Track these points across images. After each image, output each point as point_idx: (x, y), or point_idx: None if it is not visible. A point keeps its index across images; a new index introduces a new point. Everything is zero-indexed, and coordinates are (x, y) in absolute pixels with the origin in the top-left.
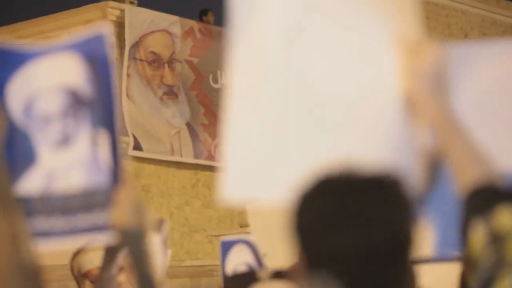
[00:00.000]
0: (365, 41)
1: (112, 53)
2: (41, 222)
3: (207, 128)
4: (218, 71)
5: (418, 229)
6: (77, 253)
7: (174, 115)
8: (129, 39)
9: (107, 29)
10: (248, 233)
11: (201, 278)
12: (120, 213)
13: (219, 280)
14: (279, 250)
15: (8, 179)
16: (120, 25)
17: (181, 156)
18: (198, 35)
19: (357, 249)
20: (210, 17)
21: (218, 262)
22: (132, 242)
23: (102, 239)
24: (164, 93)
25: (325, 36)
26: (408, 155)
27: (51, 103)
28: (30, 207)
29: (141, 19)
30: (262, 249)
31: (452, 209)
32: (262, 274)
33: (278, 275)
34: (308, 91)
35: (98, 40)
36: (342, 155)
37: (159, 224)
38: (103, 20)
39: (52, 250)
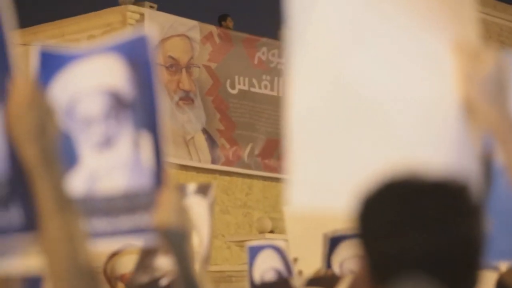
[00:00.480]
0: (424, 46)
1: (155, 55)
2: (83, 224)
3: (223, 134)
4: (236, 77)
5: (484, 234)
6: (112, 256)
7: (190, 121)
8: None
9: (150, 31)
10: (268, 239)
11: (219, 284)
12: (163, 215)
13: (245, 286)
14: (312, 256)
15: (65, 181)
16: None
17: (200, 161)
18: (217, 40)
19: (425, 253)
20: (229, 22)
21: (236, 268)
22: (174, 244)
23: (144, 241)
24: (180, 98)
25: (384, 42)
26: (468, 159)
27: (93, 105)
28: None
29: (161, 24)
30: (294, 254)
31: (506, 215)
32: (296, 282)
33: (312, 282)
34: (368, 97)
35: (140, 42)
36: (405, 160)
37: (206, 188)
38: (122, 24)
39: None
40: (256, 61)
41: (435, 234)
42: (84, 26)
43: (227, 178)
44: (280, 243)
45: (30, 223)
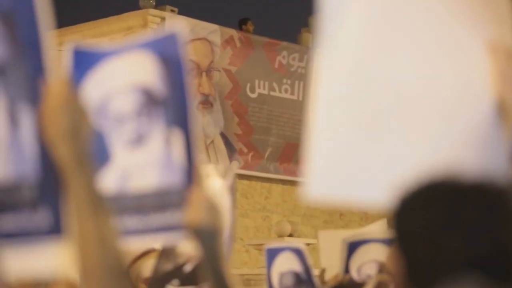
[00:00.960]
0: (458, 46)
1: (186, 51)
2: (115, 222)
3: (240, 138)
4: (256, 80)
5: None
6: (138, 259)
7: (208, 125)
8: None
9: (181, 28)
10: (287, 242)
11: None
12: (194, 213)
13: None
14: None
15: (98, 182)
16: None
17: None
18: (238, 44)
19: (467, 257)
20: (250, 26)
21: (255, 271)
22: (205, 242)
23: (175, 239)
24: (200, 102)
25: (416, 41)
26: (499, 158)
27: (125, 102)
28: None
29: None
30: (324, 264)
31: None
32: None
33: None
34: (398, 95)
35: (171, 39)
36: (438, 161)
37: (226, 170)
38: (143, 27)
39: None
40: (276, 65)
41: (477, 237)
42: (105, 30)
43: (246, 182)
44: (299, 245)
45: (58, 227)
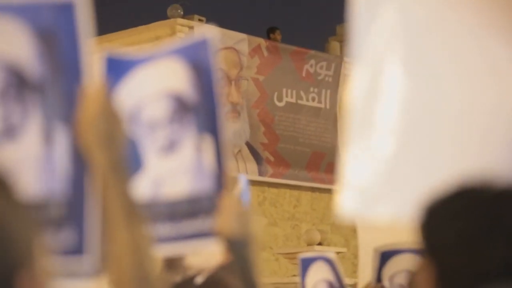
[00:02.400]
0: (491, 56)
1: (217, 58)
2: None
3: (267, 147)
4: (284, 89)
5: None
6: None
7: (235, 134)
8: None
9: (212, 35)
10: (317, 251)
11: None
12: (225, 219)
13: None
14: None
15: (132, 190)
16: None
17: (247, 173)
18: (265, 53)
19: (503, 265)
20: (278, 35)
21: (284, 280)
22: (236, 249)
23: (207, 246)
24: (228, 111)
25: (448, 53)
26: None
27: (158, 109)
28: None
29: None
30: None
31: None
32: None
33: None
34: (431, 106)
35: (202, 45)
36: (471, 170)
37: (234, 181)
38: (171, 37)
39: None
40: (304, 74)
41: (508, 246)
42: (134, 40)
43: (275, 190)
44: (331, 255)
45: (81, 247)
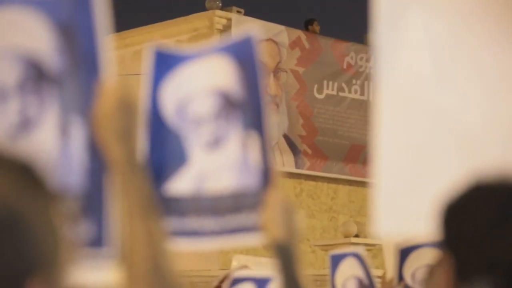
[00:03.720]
0: (508, 67)
1: (261, 55)
2: (192, 223)
3: (304, 140)
4: (325, 81)
5: None
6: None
7: (273, 126)
8: None
9: (257, 32)
10: (354, 243)
11: None
12: (270, 215)
13: None
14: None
15: (150, 184)
16: (227, 34)
17: (284, 166)
18: (306, 44)
19: None
20: (316, 26)
21: (321, 272)
22: (280, 244)
23: (251, 241)
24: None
25: (470, 65)
26: None
27: (204, 105)
28: (182, 207)
29: (248, 28)
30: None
31: None
32: None
33: None
34: (459, 122)
35: (248, 42)
36: (492, 166)
37: (279, 177)
38: (209, 29)
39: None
40: (345, 66)
41: None
42: (172, 32)
43: (312, 182)
44: (361, 251)
45: (100, 240)
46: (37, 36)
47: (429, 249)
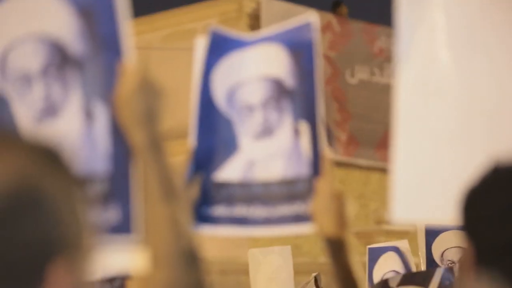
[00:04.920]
0: None
1: (319, 44)
2: (241, 210)
3: (339, 125)
4: (356, 66)
5: None
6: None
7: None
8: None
9: (314, 19)
10: (386, 231)
11: None
12: (320, 204)
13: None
14: None
15: (170, 168)
16: (255, 18)
17: None
18: (337, 28)
19: None
20: (343, 9)
21: (353, 258)
22: (331, 234)
23: (301, 229)
24: None
25: (494, 50)
26: None
27: (255, 92)
28: (231, 194)
29: (277, 12)
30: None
31: None
32: (393, 282)
33: (407, 280)
34: (481, 108)
35: (305, 29)
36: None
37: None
38: (238, 12)
39: (217, 241)
40: (376, 50)
41: None
42: (200, 15)
43: (344, 169)
44: (401, 245)
45: (127, 224)
46: (59, 21)
47: (456, 231)
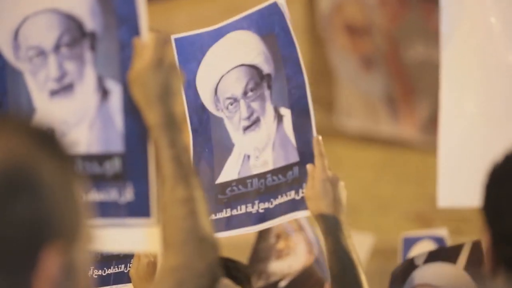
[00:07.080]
0: None
1: (290, 22)
2: (243, 209)
3: (399, 101)
4: (416, 40)
5: None
6: None
7: (369, 87)
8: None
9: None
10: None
11: None
12: (314, 189)
13: None
14: None
15: (186, 148)
16: None
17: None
18: (394, 3)
19: None
20: None
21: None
22: (327, 219)
23: (298, 216)
24: (359, 64)
25: None
26: None
27: (235, 84)
28: (231, 194)
29: None
30: None
31: None
32: (418, 259)
33: (433, 256)
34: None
35: (273, 9)
36: None
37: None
38: None
39: None
40: (433, 25)
41: None
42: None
43: (402, 148)
44: (440, 233)
45: (144, 202)
46: None
47: None
